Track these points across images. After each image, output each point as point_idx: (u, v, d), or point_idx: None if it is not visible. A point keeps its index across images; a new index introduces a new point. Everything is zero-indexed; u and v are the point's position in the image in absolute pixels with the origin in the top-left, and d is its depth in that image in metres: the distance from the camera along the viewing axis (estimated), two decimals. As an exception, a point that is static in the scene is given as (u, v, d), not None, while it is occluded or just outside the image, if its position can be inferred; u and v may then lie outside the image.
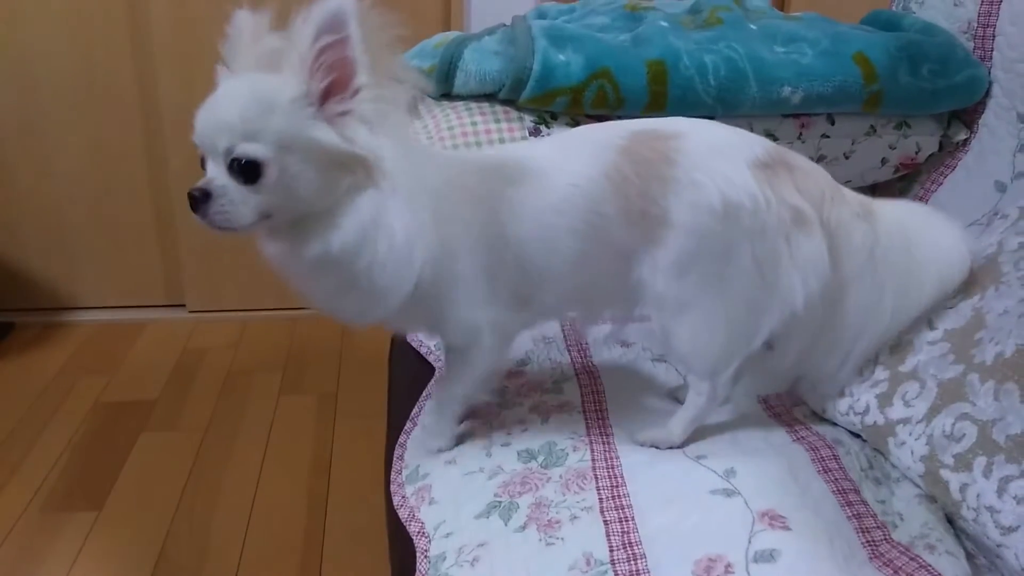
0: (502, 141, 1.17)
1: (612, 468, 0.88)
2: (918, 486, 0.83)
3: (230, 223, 0.78)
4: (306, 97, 0.77)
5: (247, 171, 0.76)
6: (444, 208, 0.84)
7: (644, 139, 0.88)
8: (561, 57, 1.16)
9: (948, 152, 1.28)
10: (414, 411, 1.09)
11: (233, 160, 0.77)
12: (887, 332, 0.92)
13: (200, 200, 0.77)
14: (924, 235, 0.93)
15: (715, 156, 0.86)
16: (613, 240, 0.88)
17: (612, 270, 0.90)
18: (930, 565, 0.73)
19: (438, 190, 0.84)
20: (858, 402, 0.91)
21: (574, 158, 0.89)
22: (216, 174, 0.78)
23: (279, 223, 0.81)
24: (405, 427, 1.07)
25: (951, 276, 0.91)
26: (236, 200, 0.77)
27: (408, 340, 1.25)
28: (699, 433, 0.93)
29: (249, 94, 0.78)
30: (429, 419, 1.03)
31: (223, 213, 0.78)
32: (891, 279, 0.90)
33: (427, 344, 1.22)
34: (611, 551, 0.75)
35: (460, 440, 0.99)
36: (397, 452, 1.04)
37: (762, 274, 0.86)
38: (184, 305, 2.57)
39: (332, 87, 0.77)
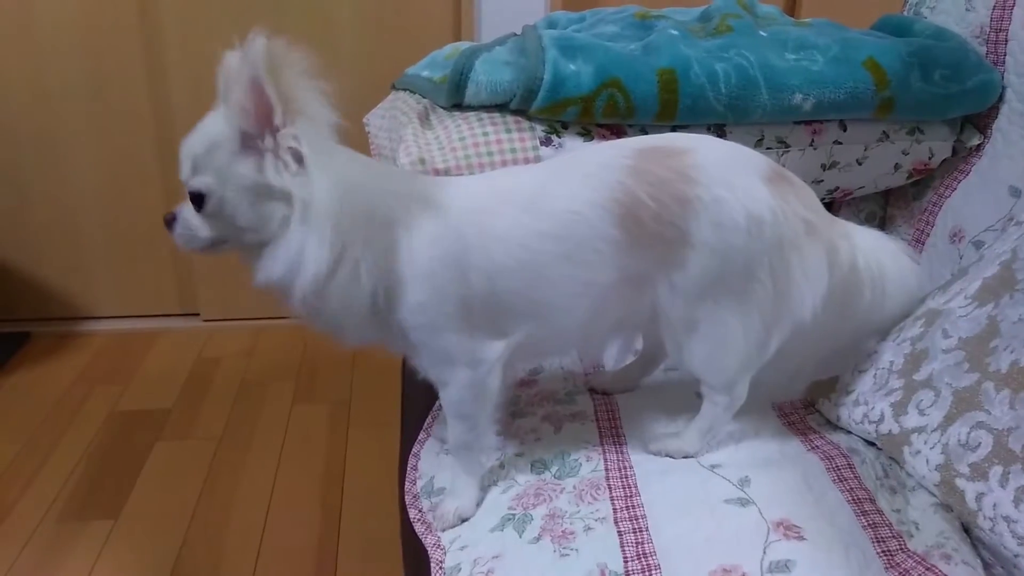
0: (513, 152, 1.17)
1: (626, 478, 0.88)
2: (934, 495, 0.82)
3: (187, 244, 0.88)
4: (234, 135, 0.80)
5: (196, 200, 0.84)
6: (383, 236, 0.82)
7: (653, 157, 0.86)
8: (571, 67, 1.16)
9: (962, 157, 1.28)
10: (428, 421, 1.09)
11: (188, 189, 0.85)
12: (849, 342, 0.99)
13: (168, 222, 0.88)
14: (889, 256, 0.97)
15: (731, 171, 0.86)
16: (622, 266, 0.85)
17: (620, 296, 0.88)
18: (946, 575, 0.72)
19: (375, 219, 0.82)
20: (873, 410, 0.91)
21: (572, 182, 0.86)
22: (184, 201, 0.87)
23: (236, 248, 0.87)
24: (419, 437, 1.07)
25: (912, 295, 0.98)
26: (192, 225, 0.86)
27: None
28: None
29: (202, 131, 0.84)
30: (452, 480, 0.94)
31: (181, 235, 0.87)
32: (864, 295, 0.94)
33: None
34: (625, 561, 0.75)
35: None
36: (411, 462, 1.04)
37: (776, 287, 0.86)
38: (198, 314, 2.59)
39: (260, 125, 0.79)
